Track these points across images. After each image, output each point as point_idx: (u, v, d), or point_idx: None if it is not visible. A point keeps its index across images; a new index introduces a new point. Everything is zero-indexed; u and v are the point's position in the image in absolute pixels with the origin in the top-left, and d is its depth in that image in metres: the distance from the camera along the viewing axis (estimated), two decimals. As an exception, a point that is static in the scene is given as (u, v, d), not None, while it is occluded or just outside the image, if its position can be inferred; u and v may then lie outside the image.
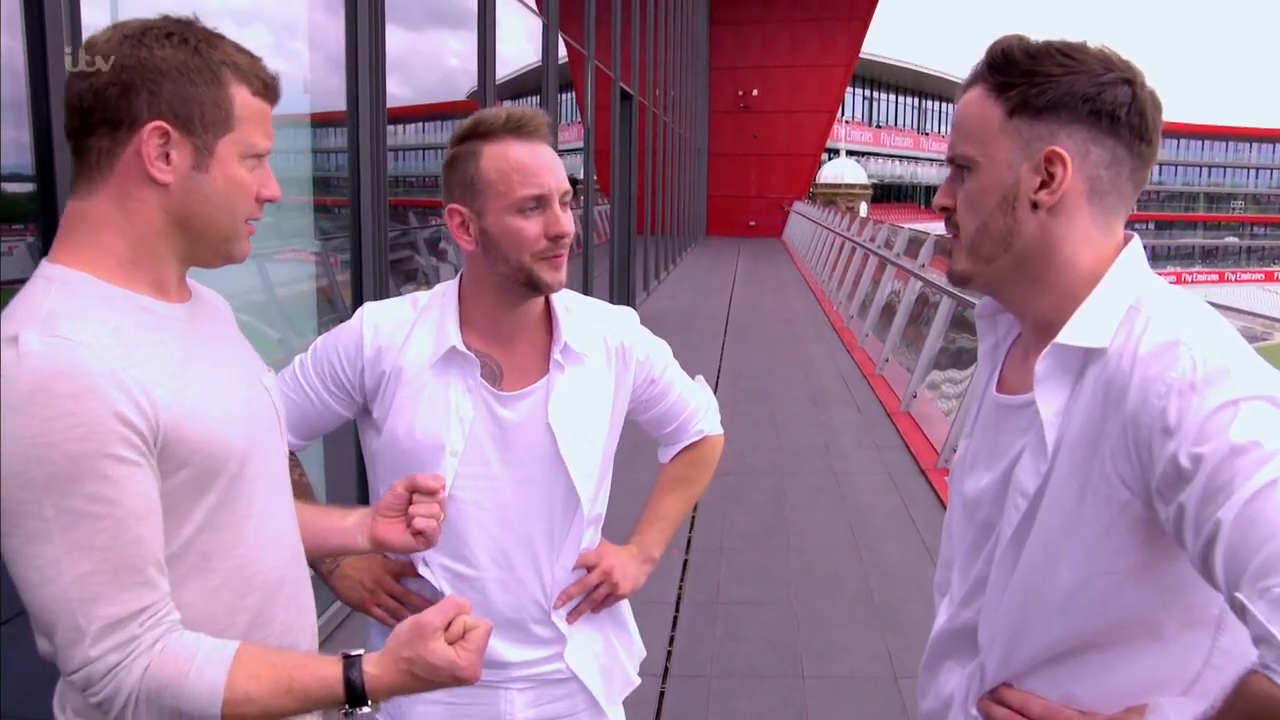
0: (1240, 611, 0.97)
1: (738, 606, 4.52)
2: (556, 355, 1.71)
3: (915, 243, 11.22)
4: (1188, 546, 1.04)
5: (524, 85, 8.45)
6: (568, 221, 1.64)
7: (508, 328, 1.72)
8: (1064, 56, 1.20)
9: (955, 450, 6.62)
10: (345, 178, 4.36)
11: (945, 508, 5.36)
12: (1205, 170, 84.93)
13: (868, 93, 62.33)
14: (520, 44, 8.01)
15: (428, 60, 6.51)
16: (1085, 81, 1.18)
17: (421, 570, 1.74)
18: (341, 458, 4.11)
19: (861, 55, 40.37)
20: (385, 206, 4.45)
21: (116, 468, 1.11)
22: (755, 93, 38.20)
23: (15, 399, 1.09)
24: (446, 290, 1.75)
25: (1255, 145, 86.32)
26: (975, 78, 1.26)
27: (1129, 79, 1.19)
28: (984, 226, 1.25)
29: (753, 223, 37.81)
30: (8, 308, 1.18)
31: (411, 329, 1.72)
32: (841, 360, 10.99)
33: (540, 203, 1.63)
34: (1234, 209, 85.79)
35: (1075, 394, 1.18)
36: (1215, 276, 68.01)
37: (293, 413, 1.72)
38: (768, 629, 4.31)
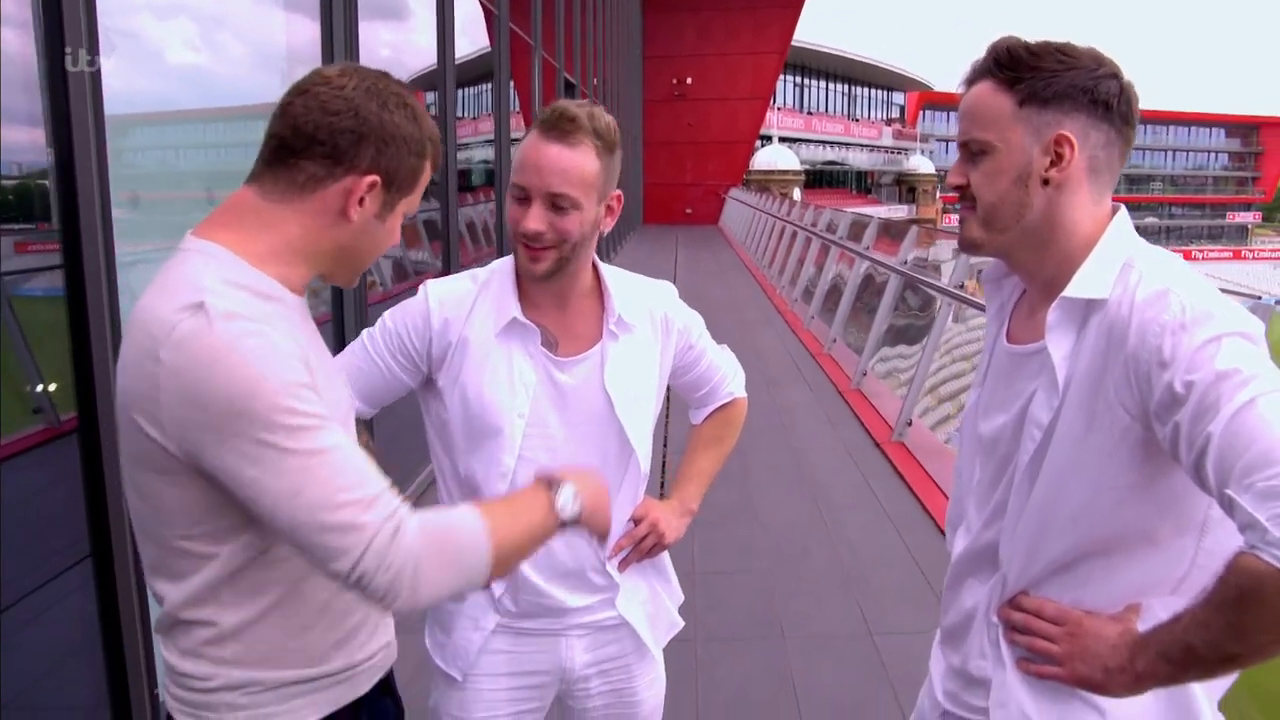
0: (1229, 506, 1.17)
1: (714, 576, 4.71)
2: (611, 325, 1.86)
3: (859, 226, 11.51)
4: (1182, 459, 1.24)
5: (463, 75, 8.52)
6: (535, 222, 1.74)
7: (561, 300, 1.86)
8: (1062, 54, 1.41)
9: (909, 424, 6.89)
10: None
11: (902, 479, 5.62)
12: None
13: (799, 80, 62.88)
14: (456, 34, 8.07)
15: (368, 51, 6.59)
16: (1084, 76, 1.40)
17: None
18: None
19: (792, 43, 40.78)
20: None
21: (309, 392, 1.28)
22: (690, 81, 38.42)
23: (215, 354, 1.23)
24: (504, 266, 1.89)
25: (1172, 128, 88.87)
26: (981, 73, 1.47)
27: (1115, 73, 1.41)
28: (1000, 201, 1.44)
29: (689, 210, 37.99)
30: (169, 277, 1.33)
31: (474, 302, 1.86)
32: (790, 343, 11.24)
33: (523, 194, 1.77)
34: (1153, 190, 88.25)
35: (1080, 339, 1.39)
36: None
37: (361, 382, 1.86)
38: (746, 597, 4.51)
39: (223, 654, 1.40)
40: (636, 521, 1.98)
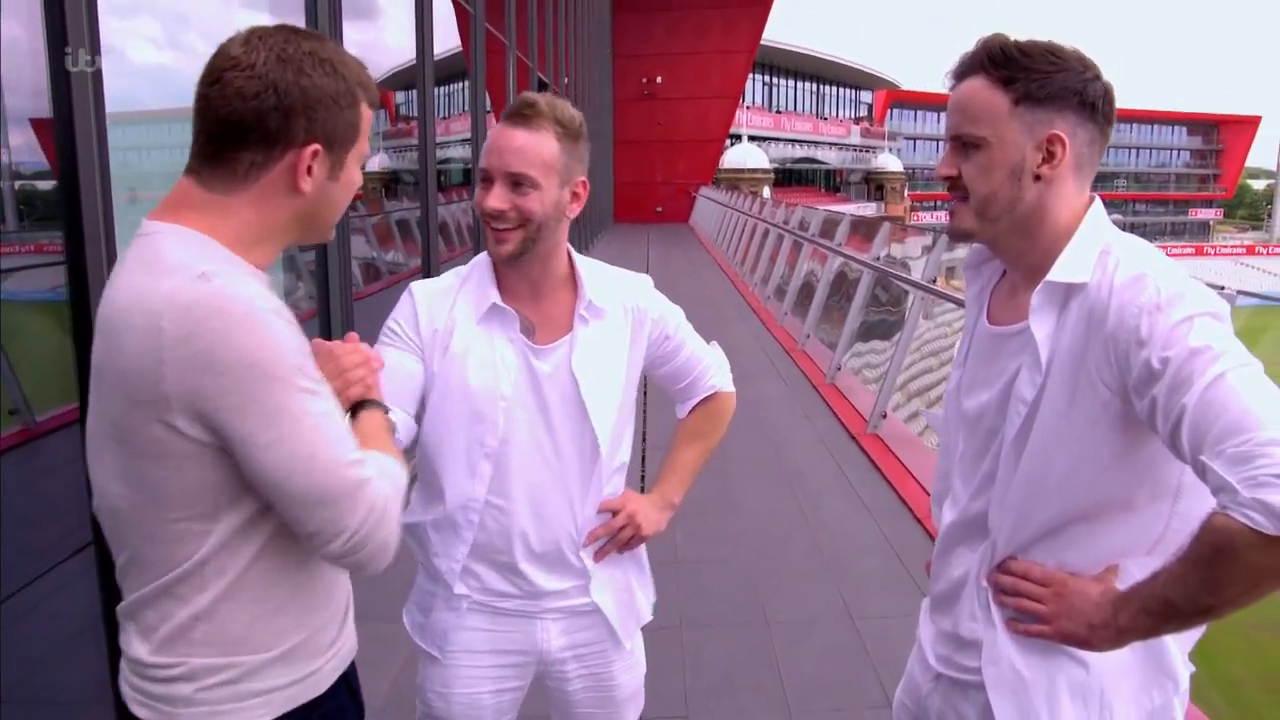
0: (1202, 471, 1.28)
1: (697, 565, 4.79)
2: (581, 310, 1.92)
3: (831, 223, 11.63)
4: (1159, 429, 1.35)
5: (436, 75, 8.55)
6: (496, 200, 1.82)
7: (535, 288, 1.93)
8: (1052, 55, 1.50)
9: (884, 416, 7.00)
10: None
11: (879, 470, 5.71)
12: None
13: (767, 78, 63.08)
14: (407, 35, 8.00)
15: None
16: (1074, 78, 1.49)
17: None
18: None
19: (761, 42, 40.94)
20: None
21: (311, 361, 1.34)
22: (659, 80, 38.50)
23: (229, 319, 1.25)
24: (483, 259, 1.96)
25: (1135, 126, 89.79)
26: (972, 69, 1.55)
27: (1099, 75, 1.51)
28: (993, 194, 1.53)
29: (660, 209, 38.08)
30: (148, 257, 1.32)
31: (457, 293, 1.93)
32: (764, 339, 11.34)
33: (486, 175, 1.85)
34: (1117, 187, 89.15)
35: (1062, 320, 1.49)
36: (1102, 252, 70.10)
37: (394, 385, 1.87)
38: (728, 584, 4.60)
39: (191, 636, 1.38)
40: (614, 513, 2.01)
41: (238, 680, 1.40)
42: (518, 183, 1.82)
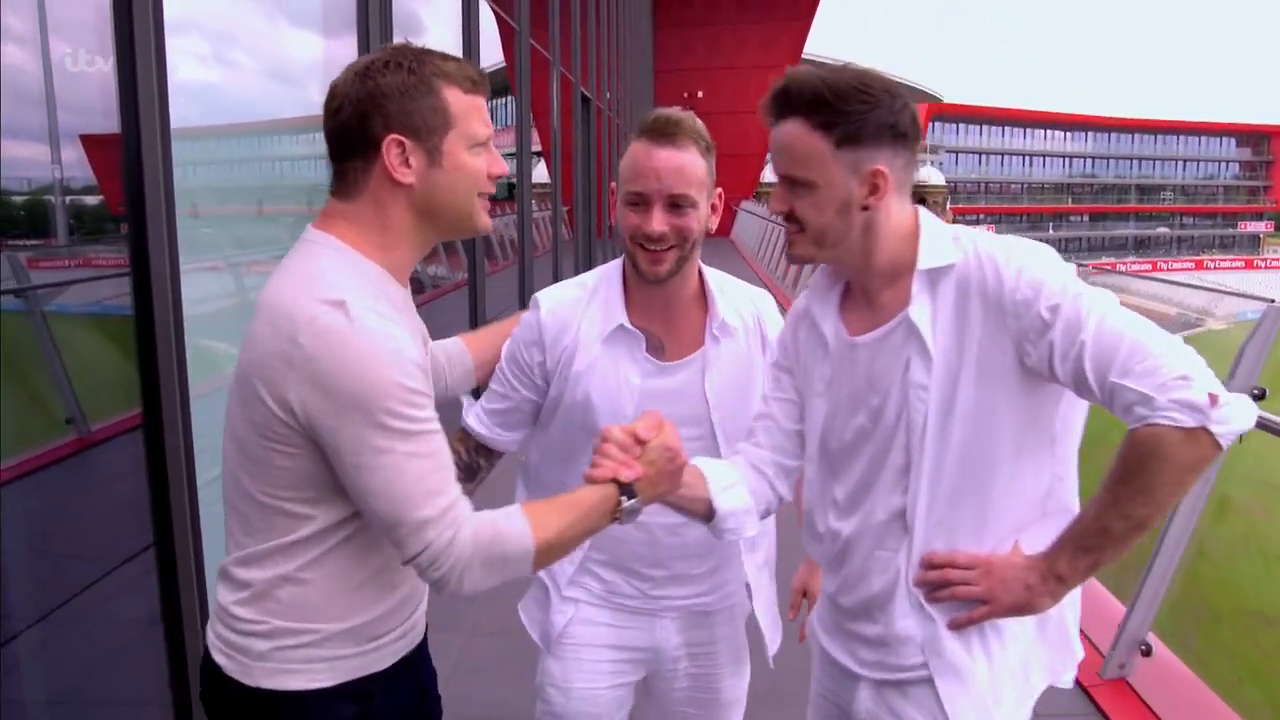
0: (1111, 393, 1.45)
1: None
2: (714, 329, 1.93)
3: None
4: (1057, 369, 1.50)
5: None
6: (658, 223, 1.83)
7: (668, 305, 1.93)
8: (863, 94, 1.57)
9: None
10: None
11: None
12: (1136, 163, 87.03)
13: (808, 92, 62.75)
14: (449, 51, 8.11)
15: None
16: (886, 113, 1.58)
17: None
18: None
19: (802, 56, 40.91)
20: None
21: (423, 398, 1.43)
22: (700, 94, 38.51)
23: (350, 352, 1.38)
24: (611, 272, 1.97)
25: (1182, 138, 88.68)
26: (789, 110, 1.61)
27: (906, 102, 1.61)
28: (827, 226, 1.63)
29: (701, 223, 37.95)
30: (302, 268, 1.48)
31: (585, 308, 1.94)
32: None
33: (639, 199, 1.85)
34: (1164, 200, 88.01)
35: (937, 303, 1.60)
36: (1148, 266, 69.88)
37: (500, 420, 2.05)
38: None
39: (278, 595, 1.53)
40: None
41: (310, 645, 1.54)
42: (677, 203, 1.84)
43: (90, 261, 3.41)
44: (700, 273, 1.97)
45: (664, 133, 1.84)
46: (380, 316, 1.42)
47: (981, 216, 76.30)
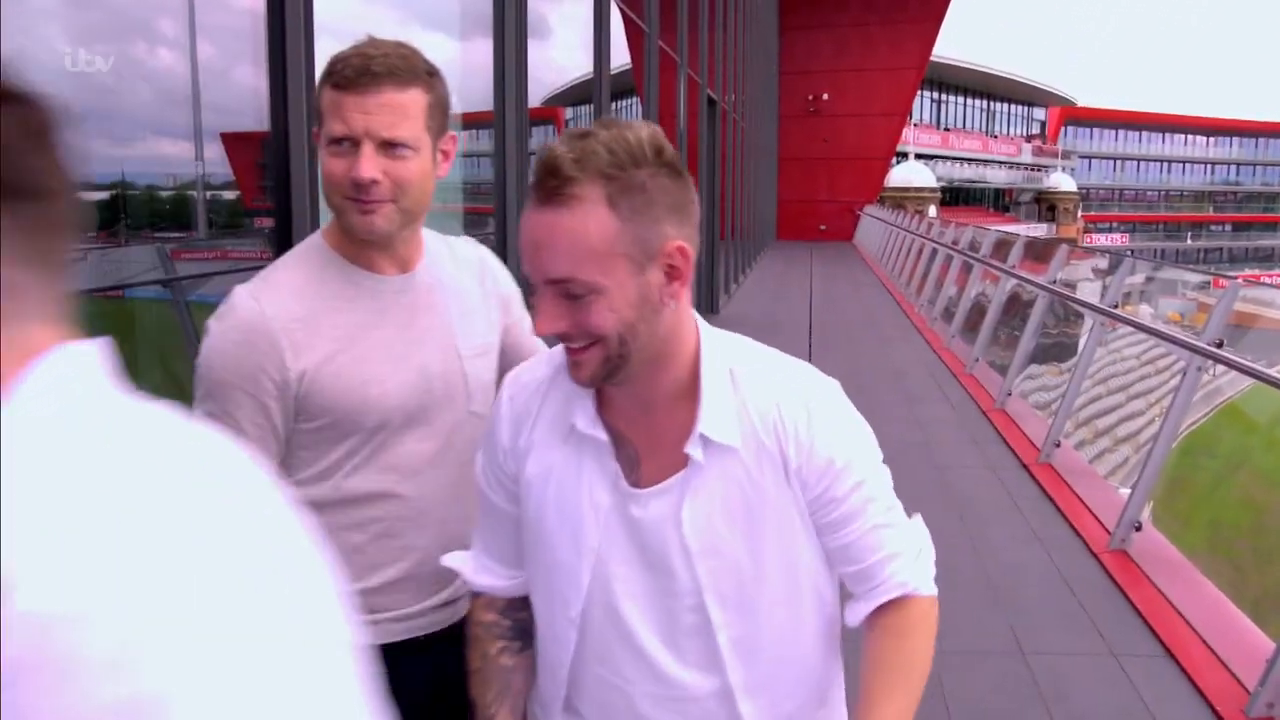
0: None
1: (860, 589, 4.70)
2: (689, 448, 1.30)
3: (1004, 245, 11.32)
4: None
5: (585, 93, 8.15)
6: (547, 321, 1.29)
7: (644, 395, 1.33)
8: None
9: (1057, 445, 6.75)
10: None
11: (1050, 500, 5.47)
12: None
13: (935, 95, 61.85)
14: (573, 52, 8.01)
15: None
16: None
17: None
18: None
19: (930, 58, 40.22)
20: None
21: (243, 397, 1.50)
22: (825, 97, 38.26)
23: (215, 330, 1.51)
24: None
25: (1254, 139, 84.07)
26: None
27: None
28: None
29: (823, 226, 37.74)
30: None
31: (546, 394, 1.40)
32: (930, 361, 11.09)
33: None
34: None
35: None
36: (1295, 279, 66.48)
37: (496, 545, 1.50)
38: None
39: None
40: None
41: None
42: (570, 292, 1.27)
43: (227, 254, 3.54)
44: (698, 349, 1.34)
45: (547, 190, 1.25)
46: (261, 308, 1.51)
47: (1113, 225, 73.59)
